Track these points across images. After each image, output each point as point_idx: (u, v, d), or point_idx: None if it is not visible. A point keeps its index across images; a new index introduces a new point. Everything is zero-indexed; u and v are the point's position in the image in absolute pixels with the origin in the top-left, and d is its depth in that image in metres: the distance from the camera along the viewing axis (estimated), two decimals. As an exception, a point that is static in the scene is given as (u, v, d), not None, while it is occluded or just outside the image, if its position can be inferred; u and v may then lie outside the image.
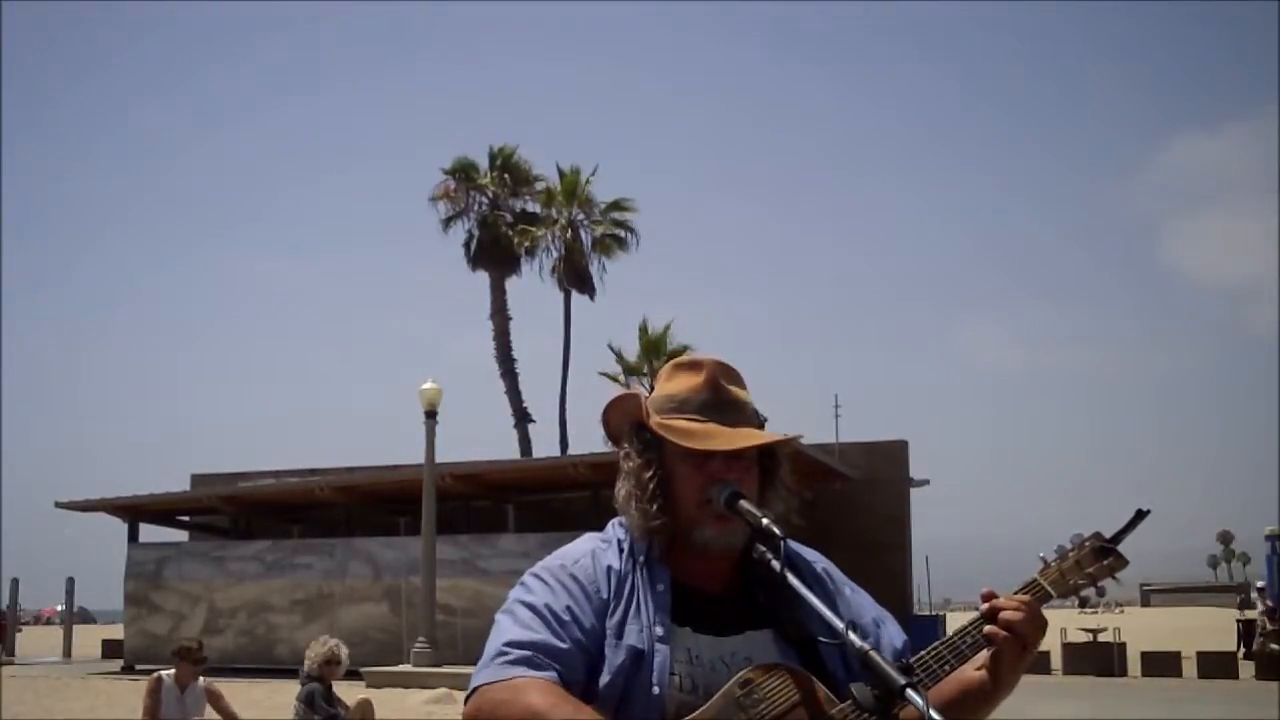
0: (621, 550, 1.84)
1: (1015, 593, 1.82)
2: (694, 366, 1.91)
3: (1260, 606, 23.96)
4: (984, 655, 1.76)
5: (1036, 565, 1.87)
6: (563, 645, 1.70)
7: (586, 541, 1.89)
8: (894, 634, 1.91)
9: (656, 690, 1.69)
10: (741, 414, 1.86)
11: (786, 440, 1.89)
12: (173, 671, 7.87)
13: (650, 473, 1.82)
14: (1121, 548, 1.87)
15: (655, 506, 1.80)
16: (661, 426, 1.82)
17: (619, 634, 1.74)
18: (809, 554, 1.95)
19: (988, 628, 1.75)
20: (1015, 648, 1.74)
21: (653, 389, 1.96)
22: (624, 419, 1.90)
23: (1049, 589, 1.84)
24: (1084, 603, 1.90)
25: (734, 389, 1.88)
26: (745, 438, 1.81)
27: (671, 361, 1.96)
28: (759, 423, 1.88)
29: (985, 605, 1.77)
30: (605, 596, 1.78)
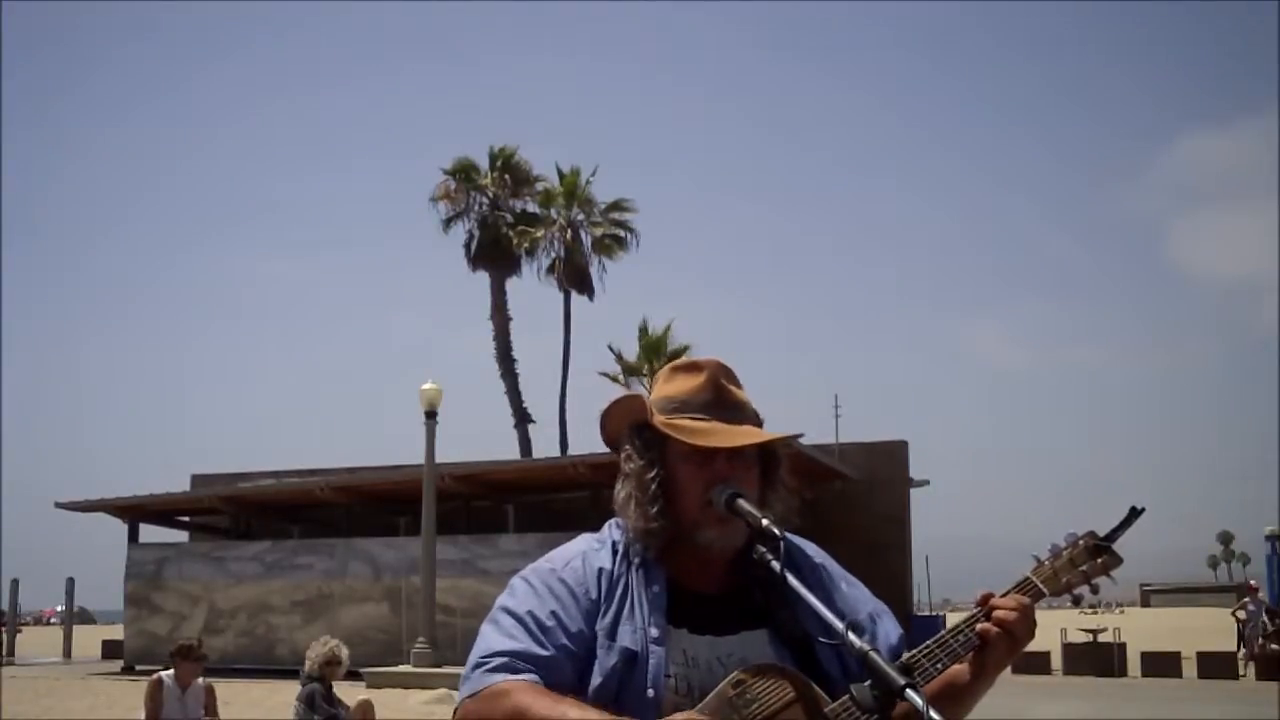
0: (616, 551, 1.84)
1: (1008, 591, 1.83)
2: (694, 368, 1.91)
3: (1250, 607, 23.92)
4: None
5: (1029, 568, 1.87)
6: (544, 652, 1.71)
7: (580, 543, 1.89)
8: (890, 629, 1.91)
9: (651, 693, 1.69)
10: (743, 413, 1.87)
11: (788, 438, 1.90)
12: (173, 672, 7.86)
13: (652, 474, 1.82)
14: (1117, 546, 1.87)
15: (655, 508, 1.80)
16: (666, 425, 1.82)
17: (611, 635, 1.74)
18: (807, 547, 1.95)
19: (981, 625, 1.76)
20: (1004, 647, 1.76)
21: (651, 392, 1.97)
22: (624, 420, 1.90)
23: (1042, 587, 1.84)
24: (1078, 601, 1.90)
25: (734, 389, 1.89)
26: (748, 435, 1.82)
27: (670, 364, 1.97)
28: (759, 423, 1.89)
29: (984, 606, 1.78)
30: (595, 598, 1.78)
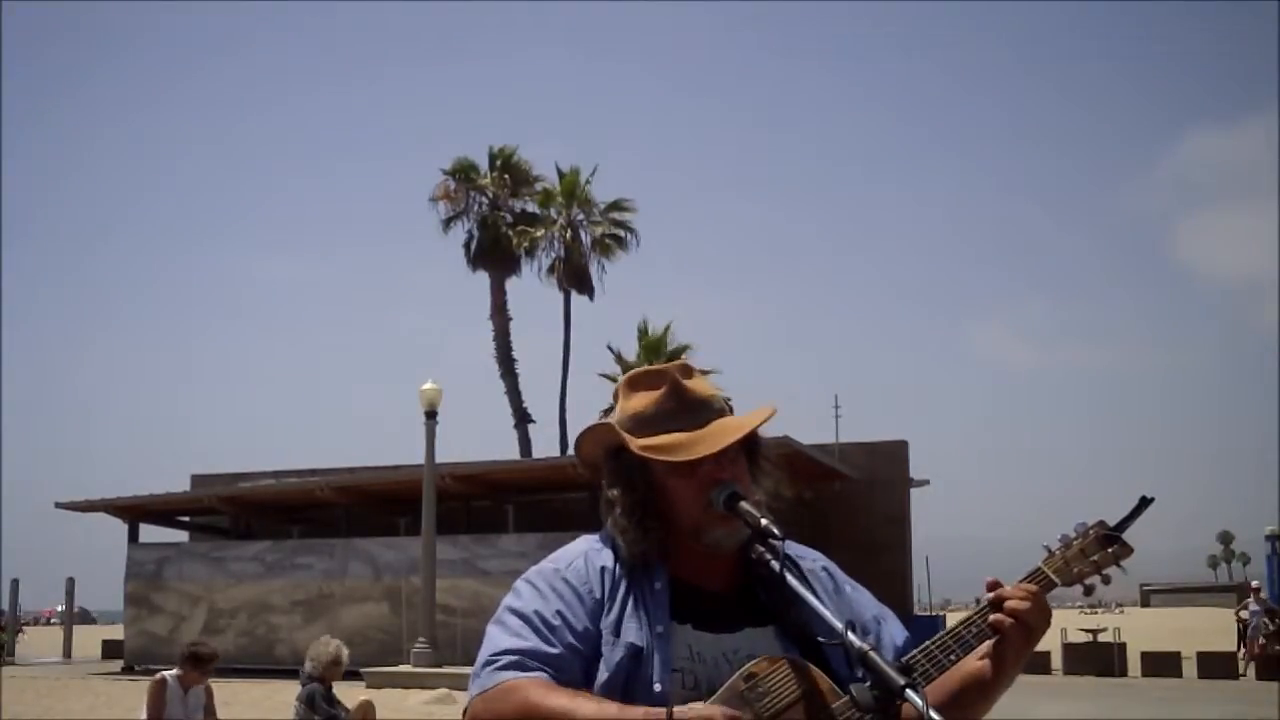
0: (617, 550, 1.84)
1: (1020, 581, 1.81)
2: (651, 378, 1.91)
3: (1253, 607, 23.91)
4: (985, 646, 1.76)
5: (1040, 558, 1.86)
6: (552, 650, 1.71)
7: (581, 543, 1.89)
8: (895, 631, 1.91)
9: (659, 687, 1.69)
10: (711, 410, 1.86)
11: (764, 421, 1.87)
12: (176, 672, 7.84)
13: (631, 499, 1.82)
14: (1126, 537, 1.86)
15: (640, 532, 1.81)
16: (644, 449, 1.81)
17: (616, 631, 1.75)
18: (809, 554, 1.95)
19: (993, 616, 1.74)
20: (1020, 637, 1.74)
21: (616, 406, 1.95)
22: (598, 448, 1.89)
23: (1054, 577, 1.82)
24: (1089, 591, 1.89)
25: (695, 386, 1.88)
26: (726, 433, 1.82)
27: (625, 378, 1.95)
28: (729, 410, 1.88)
29: (991, 594, 1.77)
30: (599, 597, 1.78)
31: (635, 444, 1.82)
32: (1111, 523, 1.87)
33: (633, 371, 1.97)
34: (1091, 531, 1.87)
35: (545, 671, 1.69)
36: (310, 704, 8.17)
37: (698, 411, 1.85)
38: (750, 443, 1.87)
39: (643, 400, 1.87)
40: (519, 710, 1.64)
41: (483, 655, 1.74)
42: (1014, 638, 1.74)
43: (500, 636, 1.75)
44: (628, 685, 1.71)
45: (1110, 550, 1.86)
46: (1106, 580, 1.87)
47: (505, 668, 1.70)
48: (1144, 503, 1.86)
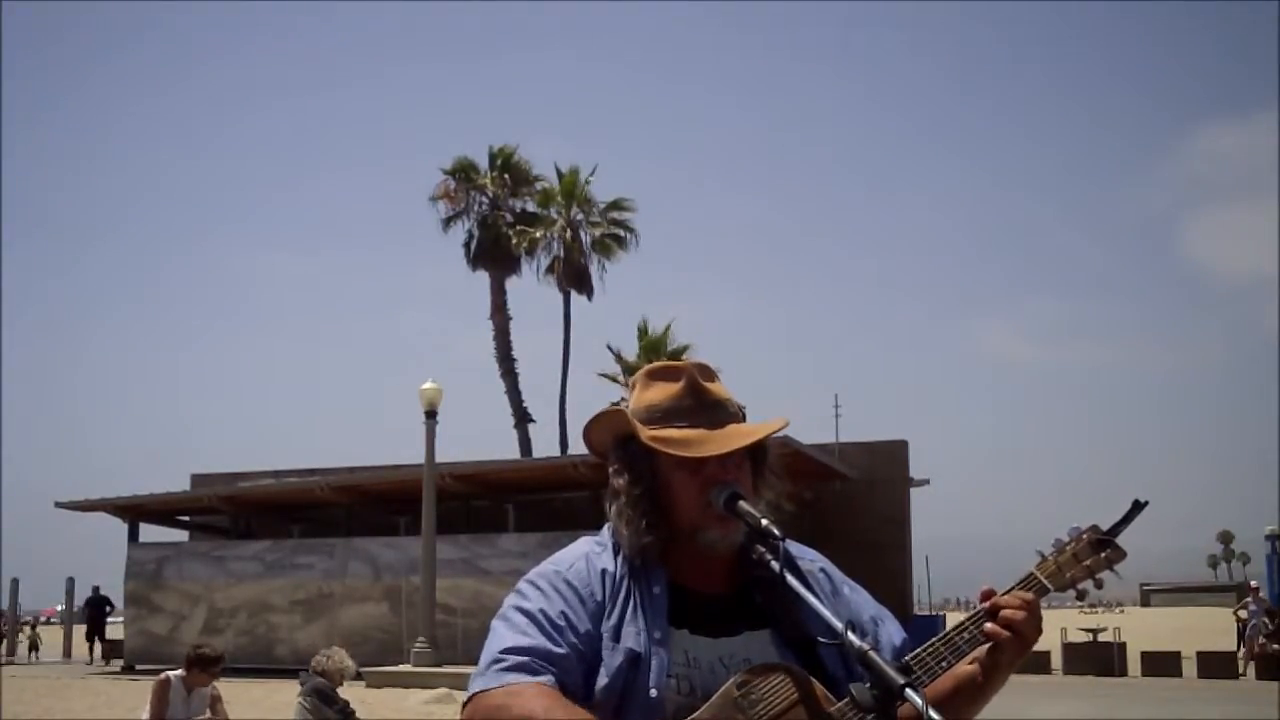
0: (618, 553, 1.84)
1: (1012, 587, 1.81)
2: (670, 373, 1.90)
3: (1252, 607, 23.90)
4: (978, 650, 1.77)
5: (1033, 563, 1.87)
6: (558, 650, 1.71)
7: (582, 545, 1.89)
8: (893, 632, 1.92)
9: (654, 693, 1.69)
10: (726, 412, 1.87)
11: (775, 430, 1.88)
12: (181, 673, 7.82)
13: (638, 489, 1.82)
14: (1120, 540, 1.86)
15: (645, 523, 1.81)
16: (653, 440, 1.81)
17: (615, 636, 1.74)
18: (807, 554, 1.95)
19: (988, 625, 1.75)
20: (1014, 645, 1.74)
21: (630, 397, 1.96)
22: (608, 434, 1.89)
23: (1046, 583, 1.83)
24: (1081, 595, 1.89)
25: (713, 387, 1.89)
26: (737, 437, 1.82)
27: (645, 370, 1.95)
28: (741, 416, 1.89)
29: (986, 603, 1.77)
30: (600, 599, 1.78)
31: (646, 434, 1.83)
32: (1105, 527, 1.88)
33: (652, 365, 1.97)
34: (1085, 536, 1.87)
35: (551, 673, 1.68)
36: (324, 699, 8.32)
37: (712, 412, 1.85)
38: (757, 452, 1.88)
39: (659, 393, 1.87)
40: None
41: (489, 652, 1.72)
42: (1007, 646, 1.74)
43: (506, 633, 1.74)
44: (625, 690, 1.70)
45: (1103, 554, 1.86)
46: (1099, 585, 1.87)
47: (512, 668, 1.68)
48: (1137, 507, 1.86)
